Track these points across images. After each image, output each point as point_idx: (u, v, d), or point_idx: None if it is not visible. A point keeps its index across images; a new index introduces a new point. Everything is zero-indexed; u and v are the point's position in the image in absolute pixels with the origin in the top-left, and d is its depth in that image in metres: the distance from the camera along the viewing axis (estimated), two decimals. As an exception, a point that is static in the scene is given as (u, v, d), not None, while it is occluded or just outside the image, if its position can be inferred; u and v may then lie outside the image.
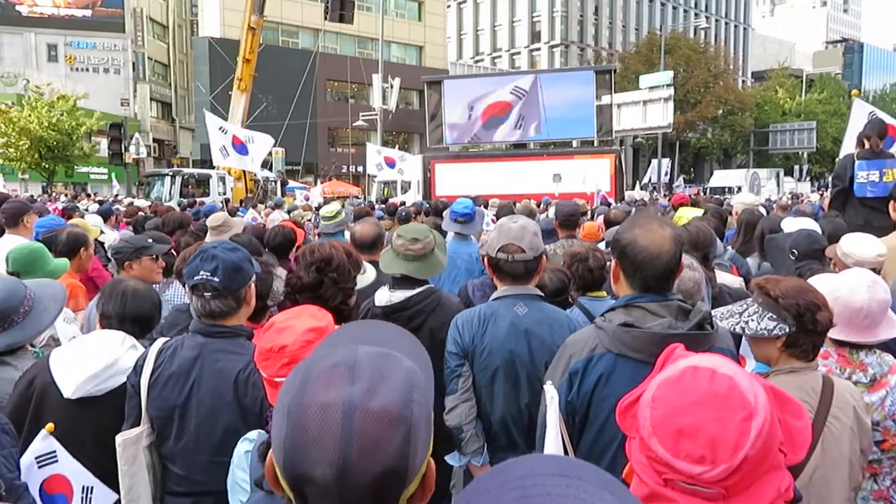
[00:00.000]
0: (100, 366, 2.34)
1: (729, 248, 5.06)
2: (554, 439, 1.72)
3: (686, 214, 5.32)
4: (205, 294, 2.20)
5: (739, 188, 32.14)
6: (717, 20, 74.50)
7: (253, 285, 2.33)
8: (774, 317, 2.07)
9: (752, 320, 2.11)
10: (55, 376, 2.35)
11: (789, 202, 12.08)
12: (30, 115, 29.78)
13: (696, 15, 68.34)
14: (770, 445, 1.07)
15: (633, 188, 31.03)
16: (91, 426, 2.36)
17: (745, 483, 1.06)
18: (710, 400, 1.07)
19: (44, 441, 2.16)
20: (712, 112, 53.36)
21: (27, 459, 2.08)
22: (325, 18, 23.25)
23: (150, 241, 3.92)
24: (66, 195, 21.94)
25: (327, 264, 2.50)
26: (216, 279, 2.17)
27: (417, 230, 3.28)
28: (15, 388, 2.43)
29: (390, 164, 18.12)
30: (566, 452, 1.78)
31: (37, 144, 29.84)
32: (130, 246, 3.83)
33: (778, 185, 38.44)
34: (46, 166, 30.97)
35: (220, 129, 12.37)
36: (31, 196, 16.80)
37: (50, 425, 2.19)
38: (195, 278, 2.20)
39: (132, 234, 6.49)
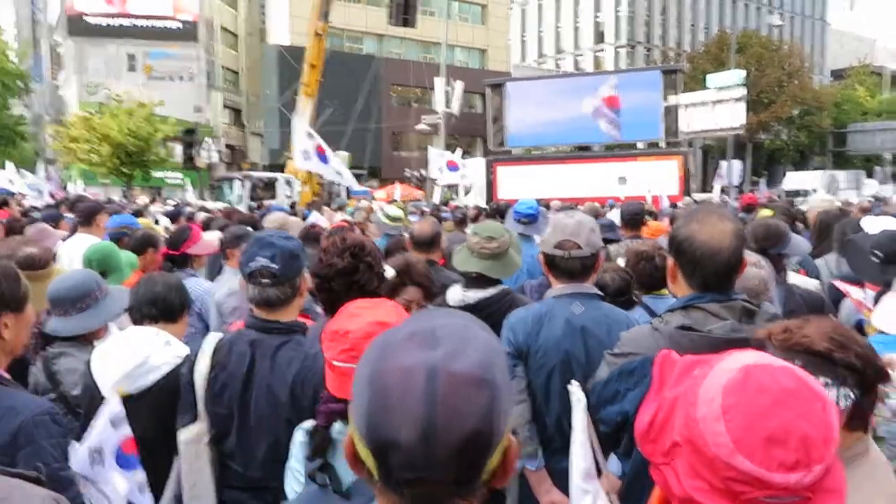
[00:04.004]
0: (132, 364, 2.37)
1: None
2: (581, 443, 1.63)
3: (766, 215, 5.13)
4: (262, 281, 2.17)
5: (815, 190, 30.81)
6: (791, 16, 71.70)
7: (307, 276, 2.33)
8: (830, 381, 1.42)
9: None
10: (95, 376, 2.41)
11: (871, 205, 11.49)
12: (110, 123, 31.24)
13: (769, 12, 65.88)
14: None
15: (702, 191, 30.17)
16: (132, 425, 2.38)
17: (828, 479, 0.96)
18: (787, 397, 0.95)
19: (115, 403, 2.14)
20: (787, 112, 51.33)
21: (101, 423, 2.04)
22: (390, 23, 23.52)
23: (248, 229, 4.48)
24: (143, 198, 22.86)
25: (361, 249, 2.47)
26: (275, 265, 2.15)
27: (493, 228, 3.23)
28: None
29: (453, 167, 18.17)
30: (595, 458, 1.69)
31: (116, 150, 31.28)
32: (232, 234, 4.26)
33: (858, 187, 36.69)
34: (125, 171, 32.43)
35: (308, 133, 12.67)
36: (110, 199, 17.58)
37: (120, 388, 2.24)
38: (251, 265, 2.18)
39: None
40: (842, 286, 3.51)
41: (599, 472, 1.94)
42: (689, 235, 1.94)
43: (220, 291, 3.90)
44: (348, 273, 2.42)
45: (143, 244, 4.22)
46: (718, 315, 1.88)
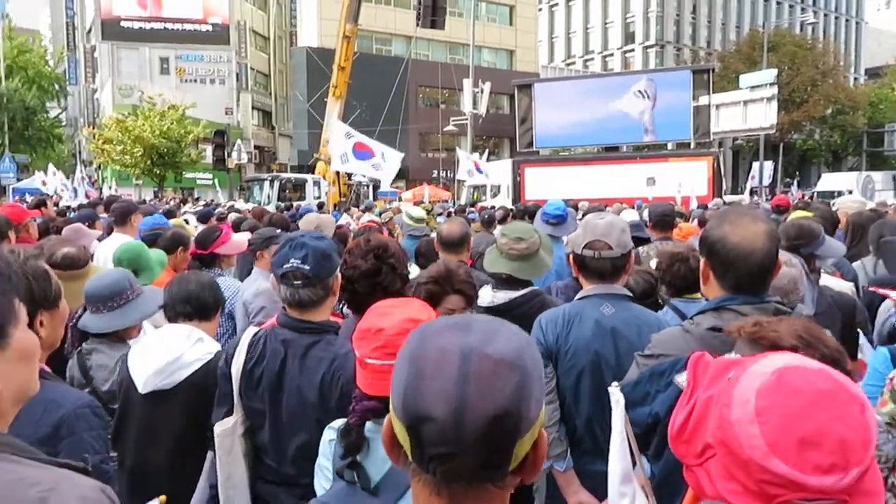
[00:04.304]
0: (165, 360, 2.43)
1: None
2: (619, 445, 1.61)
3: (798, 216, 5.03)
4: (294, 282, 2.18)
5: (850, 192, 30.17)
6: (825, 14, 70.42)
7: (339, 276, 2.33)
8: None
9: None
10: (131, 372, 2.47)
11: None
12: (143, 124, 31.84)
13: (802, 10, 64.87)
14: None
15: (732, 192, 29.76)
16: (164, 420, 2.46)
17: (865, 482, 0.95)
18: (822, 399, 0.95)
19: None
20: (820, 112, 50.35)
21: None
22: (418, 25, 23.60)
23: (278, 231, 4.46)
24: (174, 199, 23.27)
25: (385, 251, 2.51)
26: (307, 267, 2.16)
27: (522, 229, 3.22)
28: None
29: (479, 169, 18.17)
30: (633, 459, 1.67)
31: (149, 151, 31.89)
32: (261, 236, 4.24)
33: (895, 188, 35.84)
34: (158, 172, 33.03)
35: (346, 134, 12.58)
36: (143, 200, 17.89)
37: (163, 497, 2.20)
38: (285, 266, 2.18)
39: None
40: (881, 290, 3.44)
41: (635, 464, 1.93)
42: (721, 237, 1.92)
43: (247, 291, 3.91)
44: (371, 274, 2.46)
45: (173, 243, 4.30)
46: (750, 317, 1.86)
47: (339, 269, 2.33)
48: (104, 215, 7.32)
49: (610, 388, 1.64)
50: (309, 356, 2.20)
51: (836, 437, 0.92)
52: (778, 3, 67.83)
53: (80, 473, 1.02)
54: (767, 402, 0.96)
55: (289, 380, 2.20)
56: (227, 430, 2.23)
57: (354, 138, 12.17)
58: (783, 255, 2.54)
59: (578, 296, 2.73)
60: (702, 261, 2.00)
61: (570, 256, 2.79)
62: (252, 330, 2.37)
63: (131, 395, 2.48)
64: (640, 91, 25.52)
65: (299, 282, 2.18)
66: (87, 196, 17.58)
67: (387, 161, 12.16)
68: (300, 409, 2.18)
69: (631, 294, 2.74)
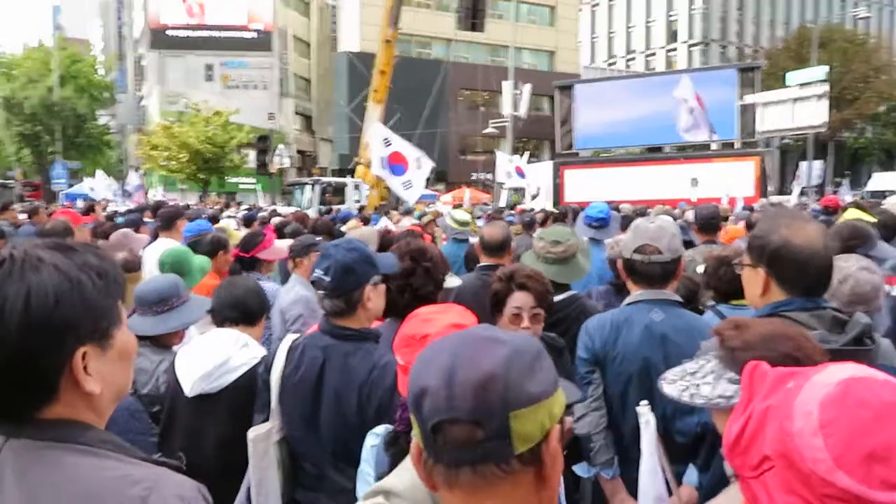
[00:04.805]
0: (212, 364, 2.45)
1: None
2: (650, 467, 1.54)
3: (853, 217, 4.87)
4: (319, 291, 2.24)
5: (904, 192, 29.12)
6: (879, 8, 68.27)
7: (373, 287, 2.27)
8: (735, 378, 1.47)
9: (706, 383, 1.52)
10: (178, 375, 2.50)
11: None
12: (188, 131, 32.59)
13: (854, 4, 62.95)
14: None
15: (780, 193, 29.02)
16: (210, 423, 2.48)
17: None
18: (890, 412, 0.91)
19: None
20: (872, 109, 48.81)
21: None
22: (458, 28, 23.63)
23: (318, 238, 4.58)
24: (218, 204, 23.73)
25: (422, 254, 2.63)
26: (327, 278, 2.19)
27: (559, 232, 3.21)
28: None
29: (520, 174, 18.03)
30: (666, 481, 1.61)
31: (194, 157, 32.62)
32: (301, 243, 4.31)
33: (952, 187, 34.48)
34: (202, 177, 33.76)
35: (385, 140, 12.61)
36: (188, 205, 18.28)
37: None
38: (312, 276, 2.27)
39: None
40: None
41: (670, 491, 1.87)
42: (784, 241, 1.86)
43: (285, 298, 3.94)
44: (405, 275, 2.53)
45: (214, 247, 4.38)
46: (807, 325, 1.79)
47: (373, 281, 2.28)
48: (150, 220, 7.48)
49: (639, 409, 1.58)
50: (347, 364, 2.20)
51: None
52: (827, -1, 66.11)
53: (174, 471, 1.05)
54: (832, 415, 0.93)
55: (327, 386, 2.21)
56: (261, 435, 2.24)
57: (392, 147, 12.13)
58: (863, 261, 2.46)
59: (627, 301, 2.68)
60: (758, 272, 1.93)
61: (619, 261, 2.74)
62: (291, 337, 2.39)
63: (178, 398, 2.51)
64: (684, 100, 25.06)
65: (322, 292, 2.22)
66: (135, 201, 18.04)
67: (422, 168, 12.12)
68: (339, 416, 2.18)
69: (681, 300, 2.67)
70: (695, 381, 1.54)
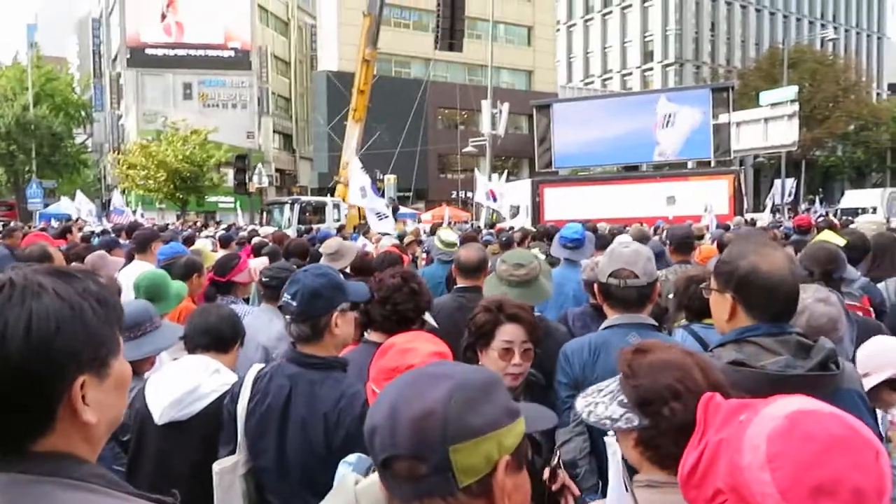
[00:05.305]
0: (181, 391, 2.41)
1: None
2: (617, 498, 1.54)
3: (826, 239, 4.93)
4: (286, 316, 2.24)
5: (874, 209, 29.70)
6: (846, 30, 69.95)
7: (341, 314, 2.26)
8: (625, 402, 1.48)
9: (602, 403, 1.52)
10: (148, 402, 2.46)
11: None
12: (166, 149, 32.38)
13: (822, 26, 64.47)
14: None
15: (754, 210, 29.43)
16: (181, 452, 2.43)
17: None
18: (836, 445, 0.92)
19: None
20: (842, 128, 49.89)
21: None
22: (436, 48, 23.81)
23: (292, 269, 4.18)
24: (195, 224, 23.52)
25: (412, 277, 2.75)
26: (294, 303, 2.19)
27: (521, 255, 3.23)
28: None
29: (493, 197, 18.06)
30: None
31: (172, 176, 32.37)
32: (275, 277, 4.00)
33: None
34: (180, 196, 33.49)
35: (362, 168, 13.04)
36: (166, 225, 18.11)
37: None
38: (280, 301, 2.26)
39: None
40: None
41: None
42: (752, 269, 1.88)
43: (267, 334, 3.63)
44: (392, 289, 2.62)
45: (187, 271, 4.33)
46: (772, 350, 1.81)
47: (341, 307, 2.27)
48: (125, 241, 7.39)
49: (606, 439, 1.59)
50: (314, 392, 2.18)
51: (851, 486, 0.90)
52: (798, 20, 67.54)
53: None
54: (779, 448, 0.94)
55: (294, 415, 2.18)
56: (227, 468, 2.20)
57: (362, 177, 12.45)
58: (821, 292, 2.48)
59: (604, 325, 2.70)
60: (725, 297, 1.94)
61: (595, 285, 2.75)
62: (257, 367, 2.35)
63: (147, 426, 2.47)
64: (665, 116, 25.45)
65: (289, 317, 2.22)
66: (111, 221, 17.83)
67: (367, 197, 12.43)
68: (306, 446, 2.15)
69: (657, 324, 2.69)
70: (596, 400, 1.55)
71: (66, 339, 0.95)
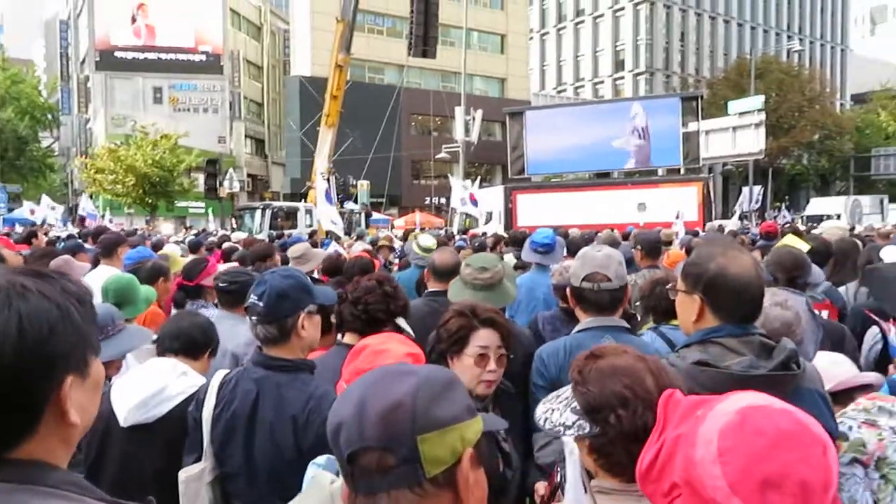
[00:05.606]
0: (147, 393, 2.38)
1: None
2: (574, 500, 1.54)
3: (789, 243, 5.03)
4: (252, 318, 2.22)
5: (838, 216, 30.40)
6: (811, 42, 71.55)
7: (308, 316, 2.25)
8: (578, 409, 1.47)
9: (557, 410, 1.51)
10: (113, 404, 2.41)
11: (893, 231, 11.31)
12: (136, 154, 31.92)
13: (788, 38, 65.84)
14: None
15: (723, 217, 29.93)
16: (147, 456, 2.39)
17: None
18: (785, 440, 0.95)
19: None
20: (807, 137, 50.97)
21: None
22: (409, 54, 23.84)
23: (251, 275, 4.14)
24: (167, 227, 23.20)
25: (388, 280, 2.76)
26: (261, 304, 2.17)
27: (486, 259, 3.26)
28: None
29: (473, 201, 18.13)
30: None
31: (141, 181, 31.92)
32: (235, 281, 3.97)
33: (882, 212, 36.14)
34: (150, 201, 33.02)
35: (321, 173, 13.52)
36: (135, 230, 17.84)
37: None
38: (246, 302, 2.25)
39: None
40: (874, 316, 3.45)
41: None
42: (720, 271, 1.91)
43: (236, 340, 3.44)
44: (366, 290, 2.63)
45: (153, 275, 4.28)
46: (736, 350, 1.85)
47: (308, 309, 2.25)
48: (91, 246, 7.26)
49: (564, 439, 1.59)
50: (282, 395, 2.15)
51: (798, 479, 0.92)
52: (765, 31, 68.92)
53: None
54: (730, 443, 0.97)
55: (261, 419, 2.15)
56: (193, 476, 2.16)
57: (325, 183, 12.83)
58: (779, 296, 2.54)
59: (577, 328, 2.73)
60: (694, 298, 1.97)
61: (568, 289, 2.77)
62: (222, 372, 2.32)
63: (112, 428, 2.42)
64: (635, 129, 25.81)
65: (255, 318, 2.20)
66: (78, 225, 17.51)
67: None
68: (274, 450, 2.13)
69: (629, 326, 2.73)
70: (553, 406, 1.53)
71: (58, 339, 0.95)
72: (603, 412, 1.41)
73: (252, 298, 2.21)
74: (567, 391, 1.54)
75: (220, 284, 3.73)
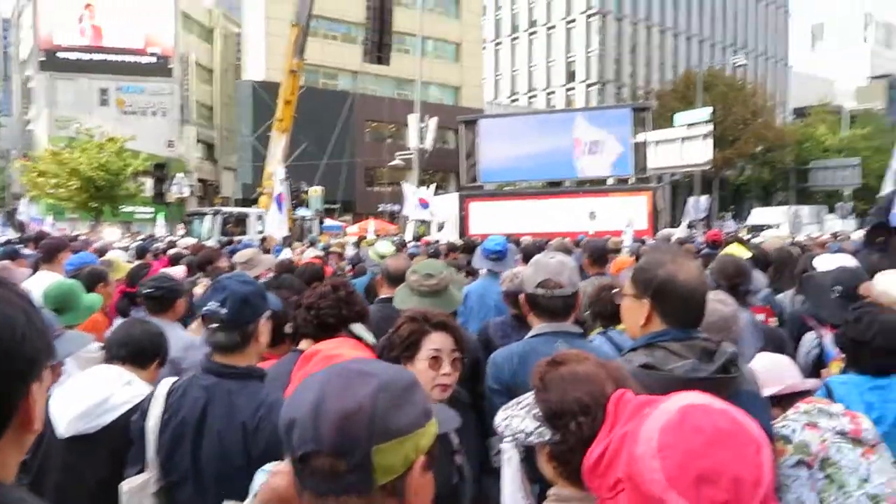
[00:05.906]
0: (91, 402, 2.32)
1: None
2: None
3: (732, 252, 5.20)
4: (211, 325, 2.16)
5: (779, 226, 31.45)
6: (755, 57, 74.03)
7: (265, 322, 2.26)
8: (539, 415, 1.49)
9: (518, 416, 1.51)
10: (51, 414, 2.33)
11: (829, 240, 11.76)
12: (80, 157, 30.96)
13: (734, 52, 68.00)
14: (772, 474, 1.02)
15: (671, 225, 30.65)
16: (89, 467, 2.33)
17: None
18: (722, 438, 1.00)
19: None
20: (751, 149, 52.65)
21: None
22: (364, 61, 23.80)
23: (185, 284, 4.12)
24: (112, 231, 22.55)
25: (343, 286, 2.70)
26: (224, 310, 2.13)
27: (432, 265, 3.29)
28: None
29: (424, 204, 18.20)
30: None
31: (85, 185, 30.95)
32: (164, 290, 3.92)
33: (820, 222, 37.56)
34: (94, 206, 32.06)
35: (280, 181, 13.59)
36: (77, 235, 17.30)
37: None
38: (204, 309, 2.18)
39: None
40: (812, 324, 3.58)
41: None
42: (669, 277, 1.97)
43: (175, 345, 3.31)
44: (319, 296, 2.58)
45: (93, 280, 4.16)
46: (680, 354, 1.90)
47: (266, 315, 2.26)
48: (29, 251, 7.02)
49: (502, 446, 1.60)
50: (232, 402, 2.13)
51: (731, 475, 0.97)
52: (711, 46, 71.00)
53: None
54: (670, 439, 1.01)
55: (209, 427, 2.12)
56: (136, 487, 2.11)
57: (282, 189, 12.86)
58: (720, 294, 2.63)
59: (531, 333, 2.75)
60: (642, 303, 2.01)
61: (522, 295, 2.80)
62: (169, 380, 2.28)
63: (52, 440, 2.34)
64: (587, 143, 26.29)
65: (216, 325, 2.15)
66: (19, 230, 16.89)
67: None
68: (223, 457, 2.09)
69: (582, 331, 2.78)
70: (513, 413, 1.54)
71: (28, 345, 0.92)
72: (564, 419, 1.42)
73: (212, 305, 2.15)
74: (528, 398, 1.54)
75: (146, 290, 3.67)
